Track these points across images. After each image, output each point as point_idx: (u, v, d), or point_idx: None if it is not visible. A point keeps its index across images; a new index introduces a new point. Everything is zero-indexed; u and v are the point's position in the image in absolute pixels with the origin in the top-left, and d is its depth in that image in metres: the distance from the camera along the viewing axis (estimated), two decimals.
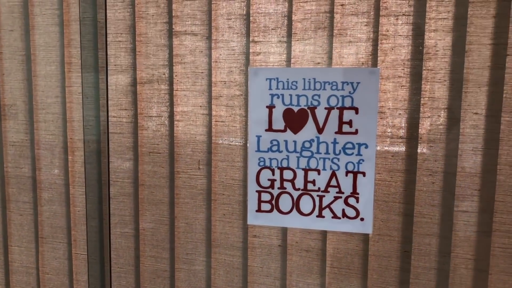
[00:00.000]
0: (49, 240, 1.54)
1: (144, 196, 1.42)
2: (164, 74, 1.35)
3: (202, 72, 1.32)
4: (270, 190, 1.17)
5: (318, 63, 1.22)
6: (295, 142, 1.14)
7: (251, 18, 1.26)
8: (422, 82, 1.17)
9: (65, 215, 1.51)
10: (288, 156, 1.15)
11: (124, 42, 1.37)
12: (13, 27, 1.46)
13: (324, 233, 1.29)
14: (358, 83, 1.09)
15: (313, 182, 1.14)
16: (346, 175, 1.12)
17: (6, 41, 1.48)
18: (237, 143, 1.31)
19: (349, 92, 1.10)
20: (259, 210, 1.18)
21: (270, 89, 1.14)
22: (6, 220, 1.57)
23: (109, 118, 1.40)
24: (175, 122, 1.35)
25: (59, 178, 1.49)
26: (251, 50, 1.26)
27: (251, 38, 1.26)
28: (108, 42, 1.37)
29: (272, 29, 1.25)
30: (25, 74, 1.48)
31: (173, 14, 1.32)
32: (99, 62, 1.38)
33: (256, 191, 1.17)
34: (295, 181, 1.15)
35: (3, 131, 1.52)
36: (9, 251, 1.59)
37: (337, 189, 1.13)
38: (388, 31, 1.18)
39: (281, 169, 1.16)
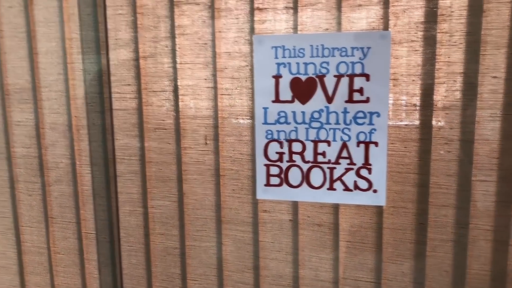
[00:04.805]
0: (59, 220, 1.52)
1: (152, 174, 1.39)
2: (166, 46, 1.30)
3: (205, 44, 1.27)
4: (278, 163, 1.13)
5: (327, 29, 1.16)
6: (303, 113, 1.09)
7: None
8: (437, 46, 1.11)
9: (73, 195, 1.49)
10: (296, 127, 1.10)
11: (125, 15, 1.32)
12: (11, 3, 1.42)
13: (336, 207, 1.25)
14: (368, 48, 1.03)
15: (323, 154, 1.10)
16: (358, 146, 1.08)
17: (6, 18, 1.44)
18: (244, 116, 1.27)
19: (360, 58, 1.04)
20: (268, 184, 1.14)
21: (276, 57, 1.09)
22: (15, 201, 1.56)
23: (113, 94, 1.36)
24: (180, 97, 1.31)
25: (65, 157, 1.47)
26: (255, 18, 1.21)
27: (255, 5, 1.20)
28: (108, 16, 1.33)
29: None
30: (26, 51, 1.45)
31: None
32: (100, 37, 1.34)
33: (265, 164, 1.14)
34: (305, 154, 1.11)
35: (7, 110, 1.49)
36: (20, 231, 1.59)
37: (348, 161, 1.09)
38: None
39: (290, 141, 1.11)
